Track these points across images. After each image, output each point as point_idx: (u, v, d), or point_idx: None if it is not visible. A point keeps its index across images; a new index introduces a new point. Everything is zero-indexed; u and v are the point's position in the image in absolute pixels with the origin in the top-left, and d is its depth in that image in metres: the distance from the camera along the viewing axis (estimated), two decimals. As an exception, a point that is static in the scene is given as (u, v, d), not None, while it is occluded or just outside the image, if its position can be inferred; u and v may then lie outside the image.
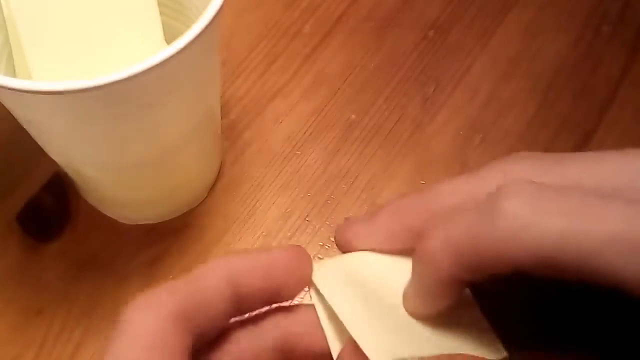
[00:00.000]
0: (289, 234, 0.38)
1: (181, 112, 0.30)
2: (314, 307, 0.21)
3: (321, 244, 0.38)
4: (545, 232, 0.16)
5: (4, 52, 0.32)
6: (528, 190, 0.17)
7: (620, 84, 0.43)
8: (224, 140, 0.41)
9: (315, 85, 0.43)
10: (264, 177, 0.40)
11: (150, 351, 0.18)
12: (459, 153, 0.41)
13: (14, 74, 0.32)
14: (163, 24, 0.33)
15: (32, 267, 0.37)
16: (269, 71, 0.43)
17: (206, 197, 0.39)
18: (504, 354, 0.20)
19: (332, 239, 0.36)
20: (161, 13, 0.33)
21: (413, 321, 0.20)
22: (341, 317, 0.20)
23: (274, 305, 0.21)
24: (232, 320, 0.21)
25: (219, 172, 0.40)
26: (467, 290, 0.21)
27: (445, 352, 0.19)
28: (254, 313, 0.21)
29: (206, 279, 0.19)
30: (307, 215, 0.38)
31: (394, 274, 0.21)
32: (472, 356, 0.20)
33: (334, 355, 0.20)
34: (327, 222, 0.38)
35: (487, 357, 0.20)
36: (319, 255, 0.37)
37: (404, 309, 0.21)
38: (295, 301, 0.22)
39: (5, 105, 0.28)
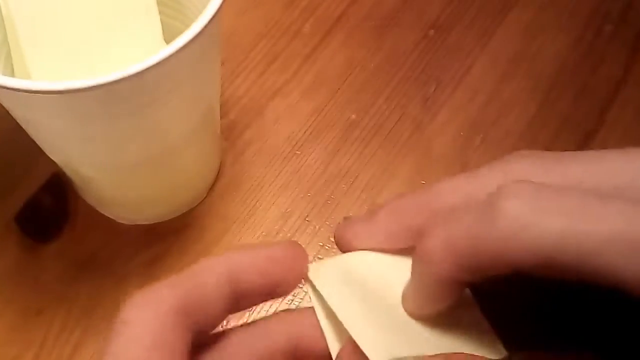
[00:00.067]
0: (289, 234, 0.38)
1: (181, 111, 0.30)
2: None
3: (321, 244, 0.37)
4: (545, 232, 0.16)
5: (3, 52, 0.32)
6: (528, 191, 0.17)
7: (621, 84, 0.43)
8: (223, 140, 0.40)
9: (315, 85, 0.43)
10: (264, 177, 0.40)
11: (150, 350, 0.18)
12: (459, 153, 0.40)
13: (12, 74, 0.32)
14: (163, 23, 0.33)
15: (31, 268, 0.37)
16: (269, 71, 0.43)
17: (206, 197, 0.39)
18: (504, 354, 0.20)
19: (332, 239, 0.36)
20: (161, 13, 0.33)
21: (412, 321, 0.20)
22: (340, 317, 0.20)
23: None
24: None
25: (218, 172, 0.40)
26: (467, 291, 0.20)
27: (445, 351, 0.19)
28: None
29: (205, 275, 0.19)
30: (307, 215, 0.38)
31: (394, 273, 0.21)
32: (471, 356, 0.20)
33: (333, 355, 0.20)
34: (327, 222, 0.38)
35: (487, 357, 0.20)
36: (319, 255, 0.37)
37: (403, 309, 0.20)
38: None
39: (3, 104, 0.28)
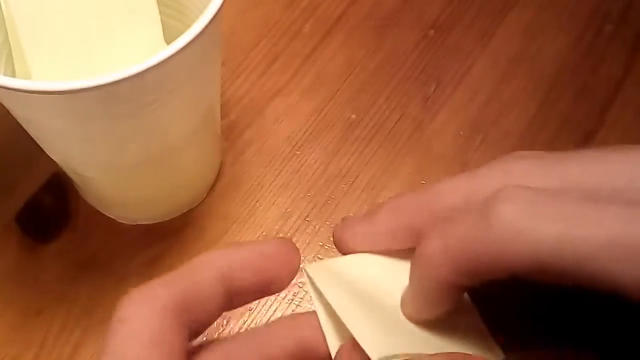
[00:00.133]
0: (289, 234, 0.38)
1: (181, 112, 0.30)
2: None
3: (321, 244, 0.37)
4: (542, 237, 0.16)
5: (3, 52, 0.32)
6: (524, 195, 0.17)
7: (621, 84, 0.43)
8: (224, 140, 0.40)
9: (315, 85, 0.43)
10: (264, 177, 0.40)
11: (149, 347, 0.18)
12: (459, 153, 0.40)
13: (13, 74, 0.32)
14: (163, 24, 0.33)
15: (31, 268, 0.37)
16: (269, 71, 0.43)
17: (206, 197, 0.39)
18: (502, 356, 0.20)
19: (332, 239, 0.36)
20: (161, 13, 0.33)
21: (412, 323, 0.20)
22: (340, 314, 0.20)
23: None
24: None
25: (218, 172, 0.40)
26: (465, 294, 0.21)
27: (444, 351, 0.19)
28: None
29: (199, 273, 0.19)
30: (307, 215, 0.38)
31: (393, 277, 0.21)
32: (470, 355, 0.20)
33: (333, 353, 0.20)
34: (327, 222, 0.38)
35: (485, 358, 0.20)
36: (319, 255, 0.37)
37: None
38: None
39: (4, 104, 0.28)
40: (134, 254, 0.37)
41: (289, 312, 0.35)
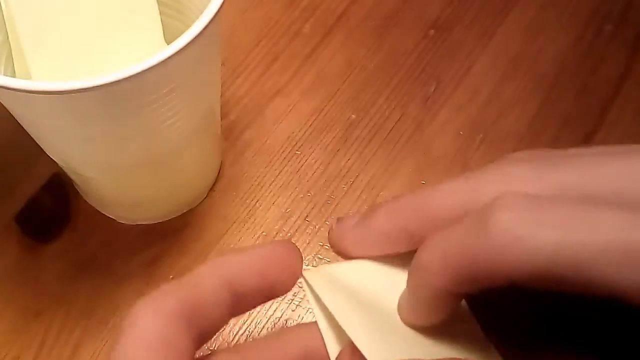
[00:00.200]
0: (289, 234, 0.38)
1: (181, 112, 0.30)
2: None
3: (321, 244, 0.37)
4: (540, 244, 0.16)
5: (4, 52, 0.32)
6: (522, 203, 0.16)
7: (621, 83, 0.43)
8: (224, 140, 0.40)
9: (315, 85, 0.43)
10: (264, 177, 0.40)
11: (157, 352, 0.18)
12: (459, 153, 0.40)
13: (13, 74, 0.32)
14: (163, 23, 0.33)
15: (31, 268, 0.37)
16: (269, 71, 0.43)
17: (206, 197, 0.39)
18: None
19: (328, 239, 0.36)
20: (161, 13, 0.33)
21: (410, 329, 0.20)
22: (339, 320, 0.20)
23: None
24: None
25: (219, 172, 0.40)
26: (463, 300, 0.20)
27: (442, 357, 0.19)
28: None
29: (204, 280, 0.19)
30: (307, 215, 0.38)
31: (391, 283, 0.21)
32: None
33: (332, 358, 0.20)
34: (327, 222, 0.38)
35: None
36: (319, 255, 0.37)
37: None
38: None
39: (4, 104, 0.28)
40: (134, 254, 0.37)
41: (289, 312, 0.35)
